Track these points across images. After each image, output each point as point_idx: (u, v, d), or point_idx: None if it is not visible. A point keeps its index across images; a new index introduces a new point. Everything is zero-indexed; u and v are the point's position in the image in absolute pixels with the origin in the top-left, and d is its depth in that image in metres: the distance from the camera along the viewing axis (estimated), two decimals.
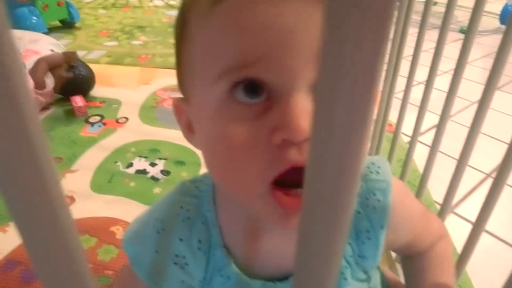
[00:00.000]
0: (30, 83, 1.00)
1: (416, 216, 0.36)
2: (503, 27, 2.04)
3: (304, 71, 0.22)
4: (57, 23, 1.80)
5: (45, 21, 1.65)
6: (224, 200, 0.32)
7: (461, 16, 2.43)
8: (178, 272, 0.32)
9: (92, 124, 1.02)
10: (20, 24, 1.58)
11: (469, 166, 0.48)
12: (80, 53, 1.51)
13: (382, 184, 0.32)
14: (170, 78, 1.32)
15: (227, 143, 0.24)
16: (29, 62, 1.14)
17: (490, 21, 2.29)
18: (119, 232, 0.70)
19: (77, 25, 1.84)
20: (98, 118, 1.05)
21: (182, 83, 0.29)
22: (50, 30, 1.69)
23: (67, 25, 1.81)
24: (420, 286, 0.36)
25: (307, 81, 0.22)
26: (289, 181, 0.23)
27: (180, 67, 0.28)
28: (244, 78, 0.23)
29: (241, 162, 0.24)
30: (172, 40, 1.62)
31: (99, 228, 0.71)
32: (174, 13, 2.17)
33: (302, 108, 0.22)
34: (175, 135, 0.95)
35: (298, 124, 0.21)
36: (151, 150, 0.93)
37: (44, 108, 1.06)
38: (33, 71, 1.03)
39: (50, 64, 1.07)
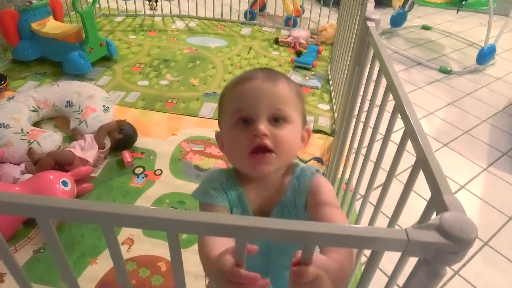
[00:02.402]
0: (96, 146, 1.44)
1: (329, 194, 0.60)
2: (480, 67, 2.37)
3: (263, 110, 0.56)
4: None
5: (91, 60, 2.05)
6: (240, 174, 0.64)
7: (447, 48, 2.74)
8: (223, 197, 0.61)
9: (138, 175, 1.46)
10: (72, 66, 1.99)
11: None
12: (120, 94, 1.93)
13: (308, 172, 0.63)
14: (191, 128, 1.73)
15: (235, 140, 0.58)
16: (89, 119, 1.57)
17: (470, 56, 2.59)
18: (163, 266, 1.16)
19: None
20: (141, 169, 1.49)
21: (219, 121, 0.64)
22: (93, 64, 2.09)
23: (106, 58, 2.20)
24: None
25: (265, 115, 0.56)
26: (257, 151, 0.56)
27: (219, 113, 0.64)
28: (241, 116, 0.57)
29: (240, 146, 0.57)
30: (192, 80, 2.02)
31: (151, 263, 1.16)
32: (193, 40, 2.53)
33: (263, 124, 0.55)
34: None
35: (260, 129, 0.55)
36: (179, 202, 1.37)
37: (104, 159, 1.50)
38: (97, 137, 1.46)
39: (107, 130, 1.49)
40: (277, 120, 0.57)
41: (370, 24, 0.82)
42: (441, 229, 0.35)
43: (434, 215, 0.43)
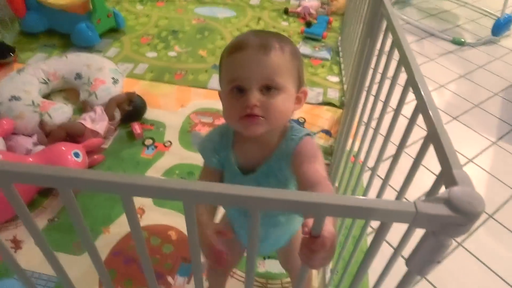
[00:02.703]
0: (106, 117, 1.45)
1: (314, 158, 0.63)
2: (494, 38, 2.31)
3: (255, 81, 0.59)
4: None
5: (99, 32, 2.04)
6: (236, 132, 0.70)
7: (461, 18, 2.66)
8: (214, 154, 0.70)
9: (148, 147, 1.48)
10: (80, 37, 1.98)
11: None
12: (128, 66, 1.92)
13: (296, 137, 0.66)
14: (200, 100, 1.74)
15: (230, 106, 0.62)
16: (98, 91, 1.58)
17: (484, 27, 2.52)
18: (173, 235, 1.19)
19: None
20: (151, 141, 1.51)
21: (220, 83, 0.67)
22: (101, 36, 2.08)
23: (114, 30, 2.18)
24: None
25: (257, 85, 0.59)
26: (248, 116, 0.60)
27: (219, 77, 0.67)
28: (235, 85, 0.61)
29: (233, 112, 0.62)
30: (200, 51, 2.00)
31: (161, 232, 1.20)
32: (202, 10, 2.49)
33: (254, 96, 0.59)
34: None
35: (251, 101, 0.59)
36: (189, 173, 1.39)
37: (114, 130, 1.52)
38: (107, 109, 1.48)
39: (117, 102, 1.50)
40: (269, 88, 0.60)
41: None
42: (449, 202, 0.35)
43: (442, 189, 0.44)
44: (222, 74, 0.66)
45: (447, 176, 0.41)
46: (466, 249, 1.21)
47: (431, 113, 0.49)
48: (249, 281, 0.46)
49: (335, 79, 1.93)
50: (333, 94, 1.82)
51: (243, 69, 0.60)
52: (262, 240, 0.79)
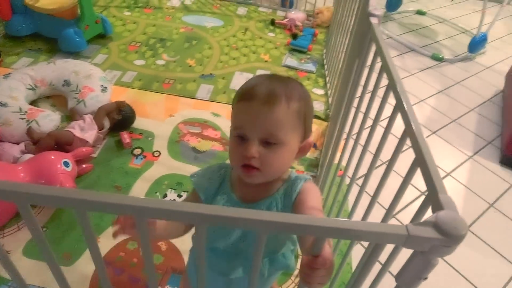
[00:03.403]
0: (95, 126, 1.46)
1: (315, 198, 0.66)
2: (471, 55, 2.42)
3: (256, 133, 0.61)
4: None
5: (86, 38, 2.03)
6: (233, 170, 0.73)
7: (440, 34, 2.77)
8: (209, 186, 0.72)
9: (136, 156, 1.49)
10: (67, 43, 1.97)
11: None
12: (116, 74, 1.93)
13: (300, 180, 0.68)
14: (188, 110, 1.76)
15: (233, 150, 0.64)
16: (87, 99, 1.58)
17: (462, 44, 2.64)
18: (162, 246, 1.21)
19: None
20: (139, 150, 1.52)
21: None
22: (88, 42, 2.07)
23: (101, 36, 2.18)
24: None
25: (258, 137, 0.61)
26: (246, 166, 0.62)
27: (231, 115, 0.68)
28: (239, 133, 0.63)
29: (234, 156, 0.64)
30: (188, 60, 2.01)
31: (151, 242, 1.21)
32: (189, 19, 2.51)
33: (253, 147, 0.61)
34: (193, 171, 1.43)
35: (249, 152, 0.61)
36: (178, 183, 1.41)
37: (103, 139, 1.52)
38: (96, 117, 1.48)
39: (106, 111, 1.51)
40: (269, 143, 0.62)
41: (373, 21, 0.85)
42: (437, 226, 0.40)
43: (429, 210, 0.48)
44: (232, 115, 0.68)
45: (433, 200, 0.46)
46: (443, 259, 1.27)
47: (418, 140, 0.54)
48: None
49: (321, 91, 1.99)
50: (319, 107, 1.87)
51: (247, 120, 0.62)
52: None
